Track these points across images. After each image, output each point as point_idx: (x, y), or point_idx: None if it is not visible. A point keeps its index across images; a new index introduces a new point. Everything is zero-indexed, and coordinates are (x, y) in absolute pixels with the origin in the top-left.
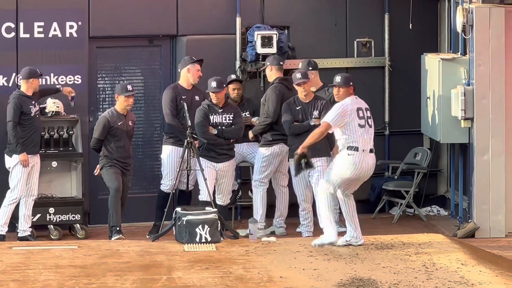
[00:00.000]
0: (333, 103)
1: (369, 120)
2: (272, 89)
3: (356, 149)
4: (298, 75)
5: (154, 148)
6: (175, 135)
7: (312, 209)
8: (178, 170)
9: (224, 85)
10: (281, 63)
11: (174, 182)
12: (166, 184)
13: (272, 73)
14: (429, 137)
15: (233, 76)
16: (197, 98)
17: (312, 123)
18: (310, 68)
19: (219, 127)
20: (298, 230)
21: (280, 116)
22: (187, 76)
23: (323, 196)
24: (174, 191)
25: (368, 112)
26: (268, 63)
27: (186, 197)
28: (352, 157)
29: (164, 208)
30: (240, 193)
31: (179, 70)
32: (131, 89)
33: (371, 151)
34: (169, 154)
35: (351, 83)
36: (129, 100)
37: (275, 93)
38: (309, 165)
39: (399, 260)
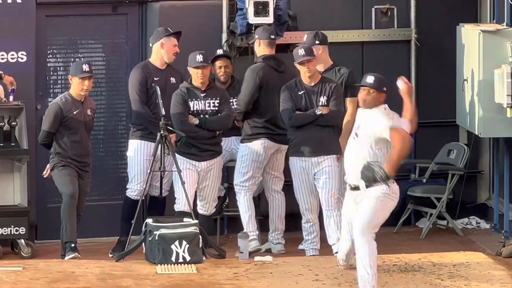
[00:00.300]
0: (346, 88)
1: None
2: (251, 70)
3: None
4: (301, 52)
5: (119, 143)
6: (145, 126)
7: (319, 221)
8: (148, 171)
9: (209, 61)
10: (273, 36)
11: (144, 187)
12: (134, 189)
13: (260, 49)
14: (467, 130)
15: (219, 51)
16: (172, 80)
17: (318, 112)
18: (317, 42)
19: (201, 116)
20: (300, 247)
21: (261, 104)
22: (160, 52)
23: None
24: (143, 198)
25: None
26: (256, 36)
27: (159, 205)
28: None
29: (131, 220)
30: (227, 201)
31: (150, 45)
32: (87, 69)
33: None
34: (137, 150)
35: (384, 88)
36: (85, 82)
37: (253, 76)
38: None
39: (429, 285)
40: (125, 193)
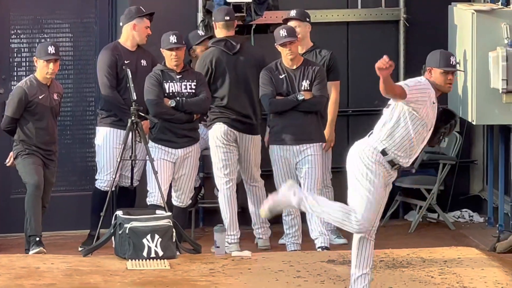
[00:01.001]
0: (328, 71)
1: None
2: (201, 58)
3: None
4: (283, 32)
5: (87, 130)
6: (114, 112)
7: (300, 214)
8: (118, 159)
9: (184, 43)
10: (228, 17)
11: (114, 177)
12: (103, 180)
13: (217, 32)
14: (459, 116)
15: (201, 33)
16: (143, 62)
17: (300, 98)
18: (308, 20)
19: (178, 98)
20: (281, 241)
21: (215, 90)
22: (131, 33)
23: None
24: (114, 189)
25: None
26: (212, 19)
27: (129, 196)
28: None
29: (101, 212)
30: (202, 191)
31: (121, 24)
32: (53, 51)
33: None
34: (106, 139)
35: None
36: (50, 65)
37: (201, 64)
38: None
39: (418, 282)
40: (93, 183)
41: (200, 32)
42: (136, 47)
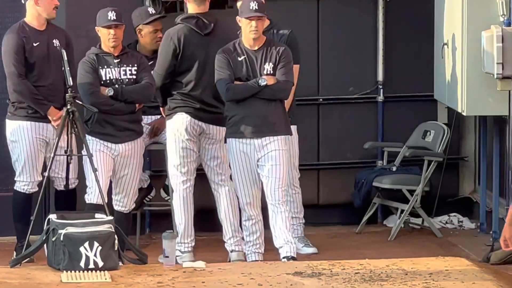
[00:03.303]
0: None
1: None
2: (166, 35)
3: None
4: (253, 5)
5: None
6: (28, 104)
7: (263, 219)
8: (52, 155)
9: (123, 23)
10: None
11: (42, 176)
12: (26, 182)
13: (188, 7)
14: (447, 106)
15: (151, 10)
16: (56, 42)
17: (262, 83)
18: None
19: (117, 86)
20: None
21: (180, 75)
22: (35, 9)
23: None
24: (43, 191)
25: None
26: None
27: (68, 200)
28: None
29: (26, 219)
30: (153, 193)
31: (22, 1)
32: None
33: None
34: (22, 134)
35: None
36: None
37: (166, 42)
38: None
39: None
40: (9, 186)
41: (150, 9)
42: (46, 24)
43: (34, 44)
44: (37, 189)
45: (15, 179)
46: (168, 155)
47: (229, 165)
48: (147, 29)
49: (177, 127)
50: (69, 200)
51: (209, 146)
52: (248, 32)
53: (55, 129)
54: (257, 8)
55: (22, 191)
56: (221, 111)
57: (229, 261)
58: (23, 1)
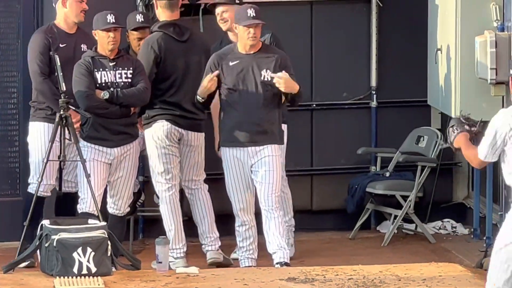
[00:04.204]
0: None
1: None
2: (145, 43)
3: None
4: (251, 12)
5: (9, 126)
6: (48, 105)
7: (257, 224)
8: (45, 160)
9: (122, 26)
10: None
11: (48, 181)
12: (36, 183)
13: (159, 13)
14: (440, 111)
15: (139, 18)
16: (83, 47)
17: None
18: (238, 1)
19: (112, 89)
20: (233, 256)
21: (160, 82)
22: (63, 11)
23: None
24: (48, 194)
25: None
26: None
27: (67, 204)
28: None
29: (33, 222)
30: (142, 197)
31: (53, 5)
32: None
33: None
34: (40, 135)
35: None
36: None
37: (146, 50)
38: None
39: None
40: (16, 189)
41: (138, 16)
42: (75, 28)
43: (61, 45)
44: (49, 194)
45: (29, 181)
46: (150, 163)
47: (223, 172)
48: (132, 35)
49: (158, 135)
50: (68, 205)
51: (187, 152)
52: (247, 39)
53: (70, 132)
54: (254, 15)
55: (34, 192)
56: (199, 117)
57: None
58: (54, 4)
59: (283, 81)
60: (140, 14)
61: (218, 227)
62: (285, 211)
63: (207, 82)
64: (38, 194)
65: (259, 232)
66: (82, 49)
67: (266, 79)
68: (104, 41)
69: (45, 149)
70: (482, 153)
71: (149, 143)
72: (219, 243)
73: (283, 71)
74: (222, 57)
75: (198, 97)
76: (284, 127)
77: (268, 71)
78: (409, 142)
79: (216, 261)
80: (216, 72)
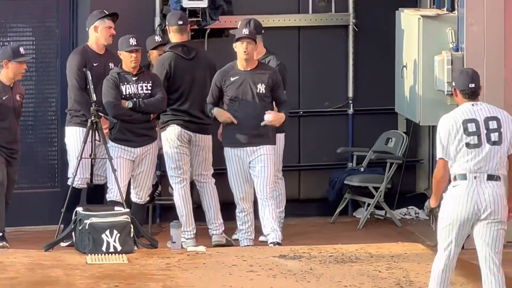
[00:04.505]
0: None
1: (491, 135)
2: (158, 62)
3: (464, 177)
4: (245, 30)
5: (49, 130)
6: (83, 113)
7: (254, 210)
8: (78, 158)
9: (142, 48)
10: (181, 22)
11: (84, 175)
12: (76, 178)
13: (171, 37)
14: (406, 118)
15: (157, 38)
16: (111, 65)
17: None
18: (261, 33)
19: (135, 99)
20: (234, 237)
21: (171, 94)
22: (95, 36)
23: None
24: (83, 187)
25: (495, 122)
26: (166, 23)
27: (97, 194)
28: (457, 188)
29: (72, 209)
30: (159, 189)
31: (87, 29)
32: (23, 52)
33: (490, 177)
34: (76, 137)
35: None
36: (23, 67)
37: (160, 69)
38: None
39: (366, 277)
40: (56, 181)
41: (157, 37)
42: (105, 50)
43: (94, 64)
44: (85, 186)
45: (68, 176)
46: (165, 160)
47: (227, 168)
48: (155, 53)
49: (171, 137)
50: (98, 195)
51: (196, 151)
52: (239, 53)
53: (100, 135)
54: (247, 33)
55: (74, 186)
56: (206, 122)
57: (213, 244)
58: (87, 29)
59: (273, 122)
60: (158, 36)
61: (222, 213)
62: (278, 205)
63: (225, 118)
64: (76, 186)
65: (256, 217)
66: (110, 67)
67: (261, 91)
68: (128, 60)
69: (79, 149)
70: (438, 153)
71: (164, 144)
72: (223, 228)
73: (271, 115)
74: (224, 74)
75: (210, 113)
76: (282, 135)
77: (263, 85)
78: (380, 143)
79: (219, 243)
80: (234, 120)
